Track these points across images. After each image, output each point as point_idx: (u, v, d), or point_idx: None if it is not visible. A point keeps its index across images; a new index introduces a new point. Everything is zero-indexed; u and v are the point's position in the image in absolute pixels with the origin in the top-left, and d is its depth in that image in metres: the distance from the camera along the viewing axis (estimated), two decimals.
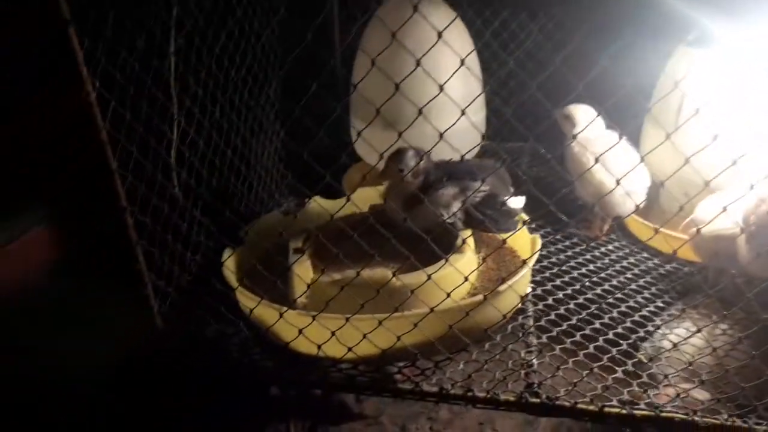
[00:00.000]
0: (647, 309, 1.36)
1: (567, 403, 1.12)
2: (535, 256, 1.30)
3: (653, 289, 1.44)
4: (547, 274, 1.47)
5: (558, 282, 1.44)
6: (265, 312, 1.19)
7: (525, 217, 1.42)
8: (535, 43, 1.86)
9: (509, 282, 1.11)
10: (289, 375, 1.25)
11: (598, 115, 1.49)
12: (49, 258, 1.70)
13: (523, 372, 1.19)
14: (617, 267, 1.53)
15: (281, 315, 1.13)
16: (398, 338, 1.10)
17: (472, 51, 1.65)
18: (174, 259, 1.23)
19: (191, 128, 1.30)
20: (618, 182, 0.93)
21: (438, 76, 0.91)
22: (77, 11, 0.91)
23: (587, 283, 1.44)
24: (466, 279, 1.06)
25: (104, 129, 0.96)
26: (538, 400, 1.13)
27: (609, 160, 1.09)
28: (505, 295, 1.20)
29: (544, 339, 1.26)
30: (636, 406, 1.10)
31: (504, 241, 1.08)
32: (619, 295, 1.40)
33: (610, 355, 1.20)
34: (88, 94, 0.92)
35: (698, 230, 1.03)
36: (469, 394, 1.15)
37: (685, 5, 1.38)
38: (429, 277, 1.07)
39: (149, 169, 1.13)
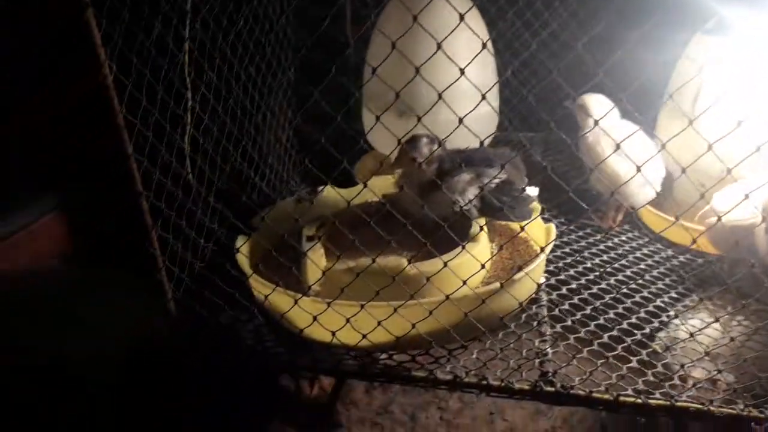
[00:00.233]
0: (661, 300, 1.35)
1: (582, 392, 1.12)
2: (551, 244, 1.30)
3: (667, 280, 1.43)
4: (560, 264, 1.46)
5: (572, 272, 1.43)
6: (280, 299, 1.19)
7: (539, 206, 1.41)
8: (551, 34, 1.85)
9: (526, 269, 1.10)
10: (303, 362, 1.25)
11: (614, 107, 1.47)
12: (61, 246, 1.70)
13: (537, 361, 1.18)
14: (630, 258, 1.52)
15: (296, 302, 1.13)
16: (413, 326, 1.09)
17: (488, 39, 1.63)
18: (187, 245, 1.23)
19: (205, 114, 1.29)
20: (639, 169, 0.92)
21: (451, 63, 0.91)
22: None
23: (601, 274, 1.43)
24: (483, 266, 1.05)
25: (121, 113, 0.96)
26: (552, 389, 1.13)
27: (624, 149, 1.08)
28: (522, 283, 1.19)
29: (558, 328, 1.26)
30: (651, 396, 1.10)
31: (523, 227, 1.08)
32: (633, 286, 1.39)
33: (624, 344, 1.20)
34: (105, 77, 0.92)
35: (719, 218, 1.02)
36: (483, 382, 1.15)
37: None
38: (445, 264, 1.06)
39: (164, 155, 1.13)
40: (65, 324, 1.47)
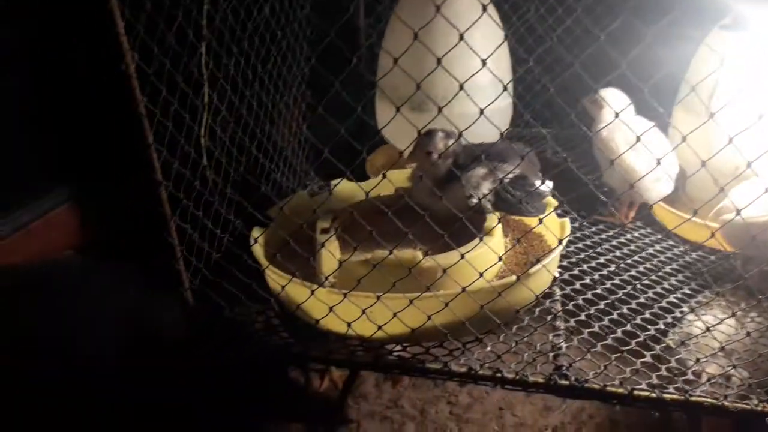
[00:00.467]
0: (674, 296, 1.35)
1: (596, 386, 1.12)
2: (567, 238, 1.30)
3: (680, 276, 1.43)
4: (573, 260, 1.46)
5: (585, 267, 1.43)
6: (295, 290, 1.20)
7: (554, 201, 1.41)
8: (566, 30, 1.85)
9: (543, 262, 1.11)
10: (316, 353, 1.25)
11: (630, 104, 1.47)
12: (75, 236, 1.71)
13: (551, 355, 1.19)
14: (643, 254, 1.52)
15: (312, 292, 1.14)
16: (429, 317, 1.10)
17: (505, 37, 1.64)
18: (204, 235, 1.23)
19: (223, 105, 1.30)
20: (659, 162, 0.92)
21: (467, 57, 0.92)
22: None
23: (613, 269, 1.43)
24: (500, 259, 1.06)
25: (142, 102, 0.97)
26: (567, 382, 1.13)
27: (638, 145, 1.08)
28: (538, 276, 1.20)
29: (571, 323, 1.26)
30: (665, 390, 1.10)
31: (540, 220, 1.08)
32: (646, 282, 1.39)
33: (638, 339, 1.20)
34: (128, 66, 0.93)
35: (738, 212, 1.02)
36: (498, 374, 1.15)
37: None
38: (462, 256, 1.07)
39: (183, 145, 1.13)
40: (79, 313, 1.48)
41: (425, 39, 1.29)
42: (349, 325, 1.14)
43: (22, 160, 1.61)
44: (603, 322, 1.25)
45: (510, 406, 1.85)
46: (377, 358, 1.22)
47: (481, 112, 0.87)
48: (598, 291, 1.34)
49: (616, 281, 1.38)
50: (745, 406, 1.07)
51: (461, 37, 0.84)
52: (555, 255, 1.25)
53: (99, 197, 1.72)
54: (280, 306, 1.28)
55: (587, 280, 1.38)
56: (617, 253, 1.51)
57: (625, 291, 1.34)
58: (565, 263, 1.44)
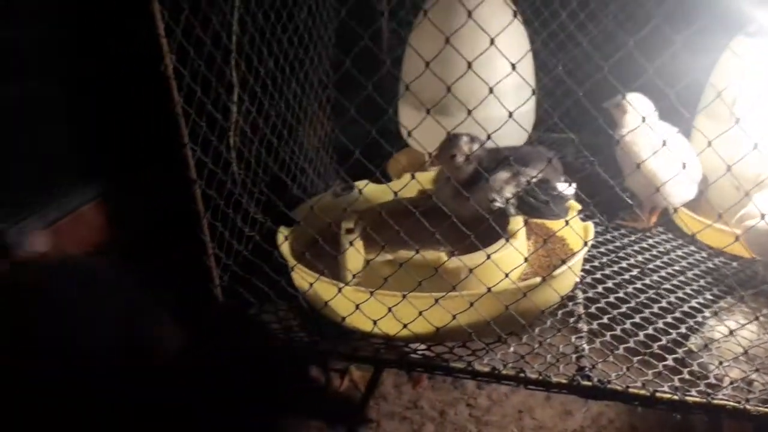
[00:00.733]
0: (696, 300, 1.36)
1: (618, 387, 1.13)
2: (591, 241, 1.31)
3: (702, 282, 1.44)
4: (596, 263, 1.48)
5: (607, 271, 1.45)
6: (323, 288, 1.22)
7: (577, 205, 1.43)
8: (586, 35, 1.86)
9: (569, 263, 1.12)
10: (343, 350, 1.28)
11: (654, 109, 1.49)
12: (103, 233, 1.74)
13: (574, 356, 1.20)
14: (665, 259, 1.53)
15: (340, 290, 1.16)
16: (453, 317, 1.12)
17: (532, 43, 1.66)
18: (233, 233, 1.26)
19: (254, 106, 1.33)
20: (684, 166, 0.93)
21: (491, 61, 0.94)
22: None
23: (636, 274, 1.44)
24: (526, 260, 1.08)
25: (180, 103, 0.99)
26: (590, 383, 1.14)
27: (661, 150, 1.09)
28: (563, 278, 1.21)
29: (594, 325, 1.27)
30: (688, 393, 1.11)
31: (567, 222, 1.09)
32: (667, 286, 1.40)
33: (660, 343, 1.21)
34: (167, 68, 0.96)
35: (763, 216, 1.03)
36: (521, 375, 1.17)
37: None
38: (488, 256, 1.09)
39: (216, 145, 1.16)
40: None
41: (448, 45, 1.32)
42: (375, 322, 1.17)
43: (52, 157, 1.64)
44: (625, 326, 1.26)
45: (529, 410, 1.86)
46: (402, 356, 1.24)
47: (510, 115, 0.89)
48: (621, 294, 1.35)
49: (639, 285, 1.39)
50: (766, 409, 1.08)
51: (492, 42, 0.86)
52: (580, 256, 1.26)
53: (128, 195, 1.75)
54: (307, 303, 1.31)
55: (610, 284, 1.39)
56: (639, 257, 1.52)
57: (647, 295, 1.36)
58: (587, 267, 1.45)
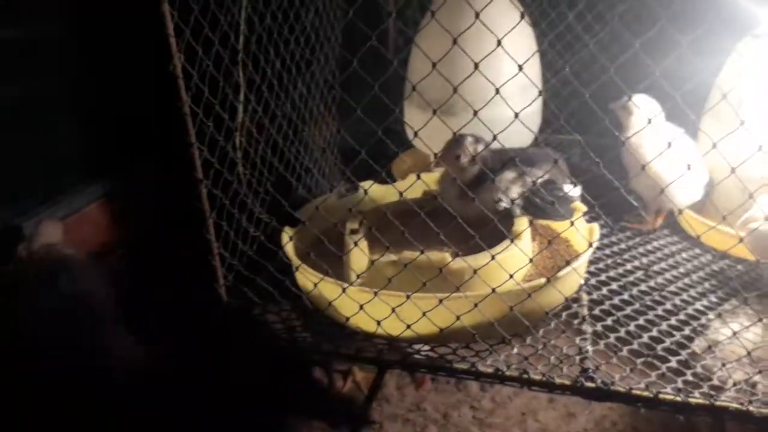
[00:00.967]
0: (700, 303, 1.36)
1: (622, 389, 1.13)
2: (596, 243, 1.31)
3: (706, 285, 1.44)
4: (601, 265, 1.48)
5: (611, 273, 1.45)
6: (327, 288, 1.23)
7: (582, 207, 1.43)
8: (593, 36, 1.86)
9: (574, 264, 1.13)
10: (346, 351, 1.28)
11: (660, 111, 1.49)
12: (107, 233, 1.74)
13: (577, 358, 1.20)
14: (669, 261, 1.53)
15: (344, 290, 1.16)
16: (457, 318, 1.12)
17: (539, 45, 1.66)
18: (238, 234, 1.27)
19: (260, 106, 1.33)
20: (689, 167, 0.94)
21: (497, 61, 0.94)
22: None
23: (640, 276, 1.44)
24: (531, 261, 1.08)
25: (187, 102, 1.00)
26: (593, 385, 1.14)
27: (667, 152, 1.09)
28: (567, 279, 1.21)
29: (598, 327, 1.27)
30: (691, 394, 1.11)
31: (572, 222, 1.10)
32: (671, 288, 1.40)
33: (664, 345, 1.21)
34: (176, 68, 0.96)
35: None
36: (525, 376, 1.17)
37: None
38: (493, 257, 1.09)
39: (222, 144, 1.17)
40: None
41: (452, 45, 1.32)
42: (378, 323, 1.17)
43: (59, 156, 1.65)
44: (629, 327, 1.26)
45: (533, 412, 1.85)
46: (405, 357, 1.24)
47: (516, 116, 0.89)
48: (625, 296, 1.36)
49: (643, 287, 1.40)
50: None
51: (499, 43, 0.86)
52: (586, 257, 1.26)
53: (134, 195, 1.76)
54: (310, 304, 1.31)
55: (614, 286, 1.39)
56: (644, 259, 1.52)
57: (651, 297, 1.36)
58: (592, 268, 1.45)
